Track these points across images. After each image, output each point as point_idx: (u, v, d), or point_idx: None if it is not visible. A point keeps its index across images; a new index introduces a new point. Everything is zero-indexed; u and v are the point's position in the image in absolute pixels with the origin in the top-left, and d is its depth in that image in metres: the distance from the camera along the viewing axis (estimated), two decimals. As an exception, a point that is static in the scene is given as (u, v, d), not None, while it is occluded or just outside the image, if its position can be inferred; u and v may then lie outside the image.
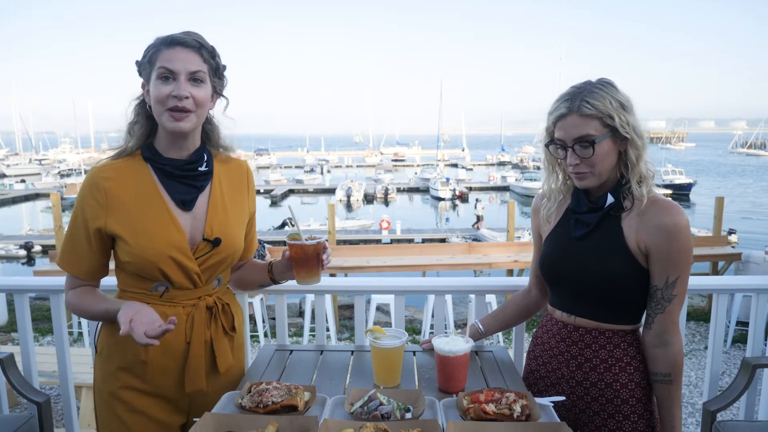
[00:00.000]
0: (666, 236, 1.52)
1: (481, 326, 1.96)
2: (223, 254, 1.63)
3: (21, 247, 19.62)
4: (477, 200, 27.14)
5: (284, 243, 1.71)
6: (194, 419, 1.32)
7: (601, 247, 1.61)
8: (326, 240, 1.69)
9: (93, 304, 1.60)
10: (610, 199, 1.60)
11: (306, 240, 1.65)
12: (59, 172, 45.18)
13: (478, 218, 25.05)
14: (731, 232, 16.50)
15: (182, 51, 1.49)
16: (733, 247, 10.00)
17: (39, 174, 47.81)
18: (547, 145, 1.64)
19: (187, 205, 1.58)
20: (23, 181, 43.95)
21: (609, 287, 1.60)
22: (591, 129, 1.53)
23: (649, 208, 1.56)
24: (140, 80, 1.57)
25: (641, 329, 1.68)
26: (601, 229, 1.62)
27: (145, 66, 1.53)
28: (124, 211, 1.53)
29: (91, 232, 1.54)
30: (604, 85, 1.56)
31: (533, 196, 1.90)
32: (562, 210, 1.75)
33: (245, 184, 1.75)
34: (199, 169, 1.59)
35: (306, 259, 1.65)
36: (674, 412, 1.61)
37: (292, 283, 2.33)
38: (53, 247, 11.71)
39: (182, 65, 1.48)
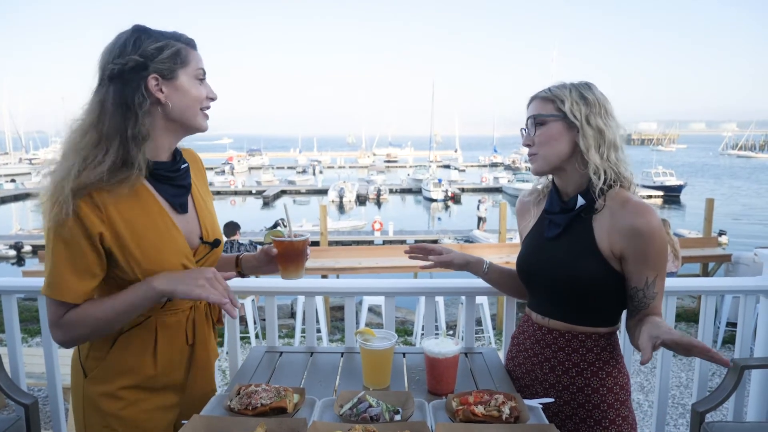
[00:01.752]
0: (640, 239, 1.50)
1: (487, 265, 1.92)
2: (218, 254, 1.64)
3: (11, 247, 19.47)
4: (480, 201, 26.71)
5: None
6: (182, 421, 1.32)
7: (572, 249, 1.60)
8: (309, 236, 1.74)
9: (109, 308, 1.38)
10: (580, 200, 1.60)
11: (294, 236, 1.67)
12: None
13: (480, 219, 24.78)
14: (721, 233, 16.62)
15: (199, 54, 1.52)
16: (723, 248, 10.08)
17: (29, 174, 47.42)
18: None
19: (183, 207, 1.51)
20: (13, 180, 43.58)
21: (579, 289, 1.59)
22: (544, 110, 1.60)
23: (620, 210, 1.54)
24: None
25: (618, 332, 1.68)
26: (572, 231, 1.61)
27: (169, 61, 1.39)
28: (125, 224, 1.38)
29: (95, 239, 1.35)
30: (577, 83, 1.62)
31: None
32: (540, 211, 1.76)
33: (203, 173, 1.71)
34: (182, 166, 1.53)
35: (295, 255, 1.68)
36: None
37: (282, 285, 2.34)
38: (43, 247, 11.57)
39: (204, 67, 1.52)
